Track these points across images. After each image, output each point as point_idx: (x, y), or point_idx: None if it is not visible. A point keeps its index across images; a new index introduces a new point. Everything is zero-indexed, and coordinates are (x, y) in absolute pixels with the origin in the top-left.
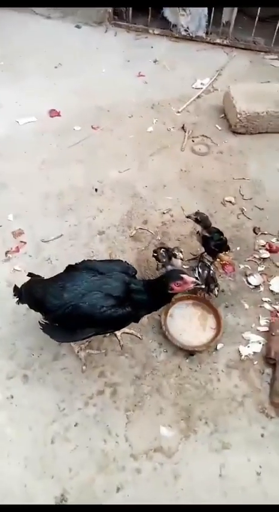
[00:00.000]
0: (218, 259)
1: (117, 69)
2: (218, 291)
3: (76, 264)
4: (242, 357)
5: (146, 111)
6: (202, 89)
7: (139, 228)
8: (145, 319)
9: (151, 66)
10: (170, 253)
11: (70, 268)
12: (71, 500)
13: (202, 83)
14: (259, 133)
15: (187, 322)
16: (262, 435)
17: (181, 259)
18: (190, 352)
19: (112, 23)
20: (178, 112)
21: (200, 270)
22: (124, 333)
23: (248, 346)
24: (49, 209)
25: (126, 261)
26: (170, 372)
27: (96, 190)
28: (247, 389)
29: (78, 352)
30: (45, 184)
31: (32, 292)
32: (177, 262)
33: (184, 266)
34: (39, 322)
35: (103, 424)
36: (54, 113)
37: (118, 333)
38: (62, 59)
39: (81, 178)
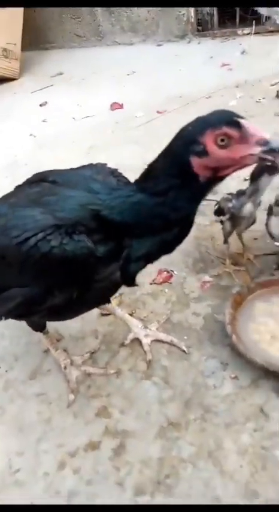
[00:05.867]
0: None
1: (197, 66)
2: None
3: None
4: None
5: (228, 91)
6: None
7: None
8: (198, 320)
9: (237, 57)
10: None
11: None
12: None
13: None
14: None
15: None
16: None
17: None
18: None
19: (195, 34)
20: (272, 85)
21: None
22: (156, 340)
23: None
24: None
25: (104, 163)
26: (243, 419)
27: None
28: None
29: (65, 367)
30: None
31: None
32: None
33: None
34: None
35: None
36: (115, 106)
37: (144, 339)
38: (136, 68)
39: (133, 158)
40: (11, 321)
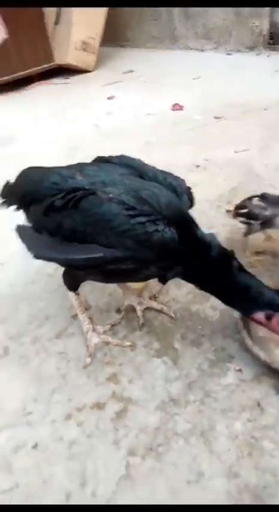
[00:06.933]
0: None
1: (261, 78)
2: None
3: (110, 156)
4: None
5: None
6: None
7: None
8: (214, 313)
9: None
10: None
11: (99, 159)
12: None
13: None
14: None
15: None
16: None
17: None
18: None
19: (266, 47)
20: None
21: None
22: (148, 308)
23: None
24: None
25: (183, 179)
26: (239, 408)
27: (197, 166)
28: None
29: (87, 331)
30: None
31: (29, 174)
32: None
33: None
34: (17, 227)
35: (77, 463)
36: (176, 107)
37: (138, 307)
38: (203, 74)
39: (182, 157)
40: (50, 286)
